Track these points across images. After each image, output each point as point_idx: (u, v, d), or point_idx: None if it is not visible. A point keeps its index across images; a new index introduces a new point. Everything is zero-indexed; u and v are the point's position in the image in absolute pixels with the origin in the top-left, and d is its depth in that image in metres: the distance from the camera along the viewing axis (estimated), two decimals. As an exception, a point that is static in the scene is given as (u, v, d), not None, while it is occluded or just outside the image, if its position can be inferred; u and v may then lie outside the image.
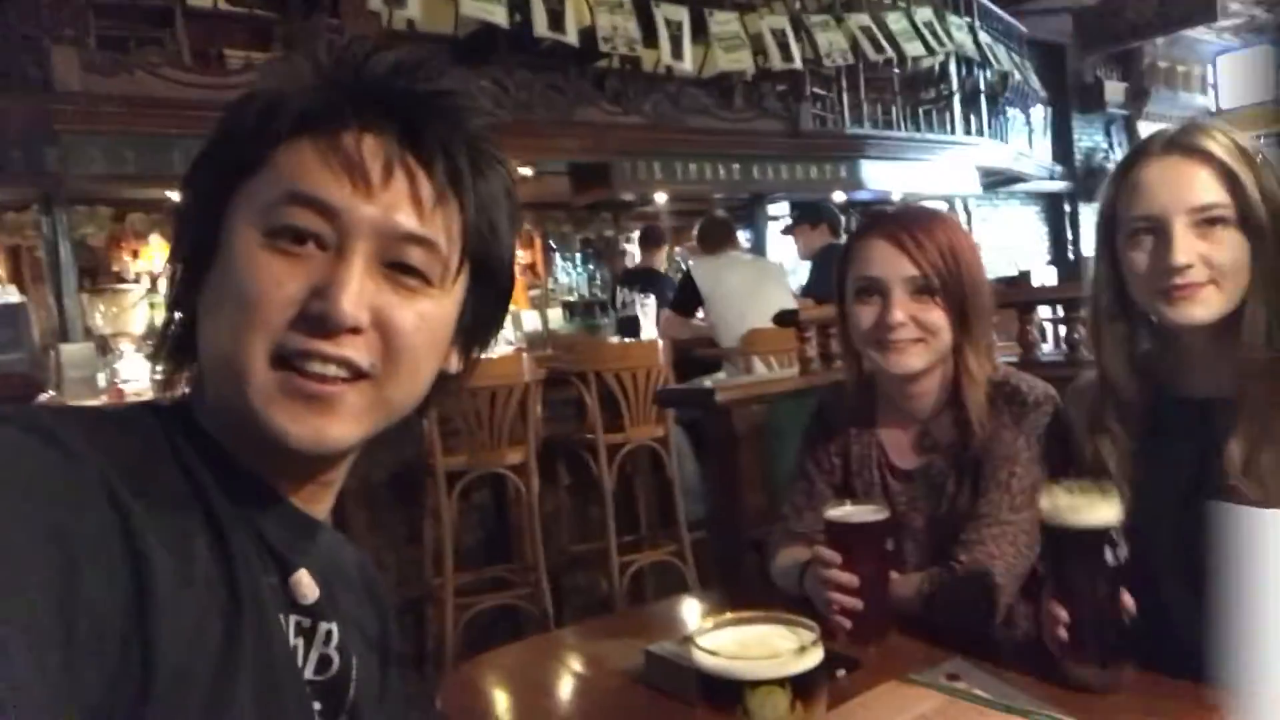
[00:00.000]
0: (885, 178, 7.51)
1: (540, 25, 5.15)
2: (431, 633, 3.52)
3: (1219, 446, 1.14)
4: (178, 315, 0.72)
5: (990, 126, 8.55)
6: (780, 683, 0.78)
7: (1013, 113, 9.27)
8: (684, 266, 6.26)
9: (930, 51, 7.36)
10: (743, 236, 7.29)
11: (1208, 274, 1.13)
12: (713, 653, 0.80)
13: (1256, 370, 1.13)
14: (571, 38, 5.29)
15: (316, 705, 0.71)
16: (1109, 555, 1.04)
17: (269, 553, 0.70)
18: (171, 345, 0.73)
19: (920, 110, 7.88)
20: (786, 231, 5.60)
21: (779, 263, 4.84)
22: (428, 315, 0.71)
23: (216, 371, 0.68)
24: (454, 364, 0.80)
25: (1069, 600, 1.07)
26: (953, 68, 8.11)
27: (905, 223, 1.39)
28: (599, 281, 8.75)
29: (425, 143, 0.69)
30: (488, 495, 4.03)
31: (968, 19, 8.02)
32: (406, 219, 0.69)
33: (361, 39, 0.73)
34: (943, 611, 1.31)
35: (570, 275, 8.76)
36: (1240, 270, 1.14)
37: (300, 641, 0.71)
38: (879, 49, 6.90)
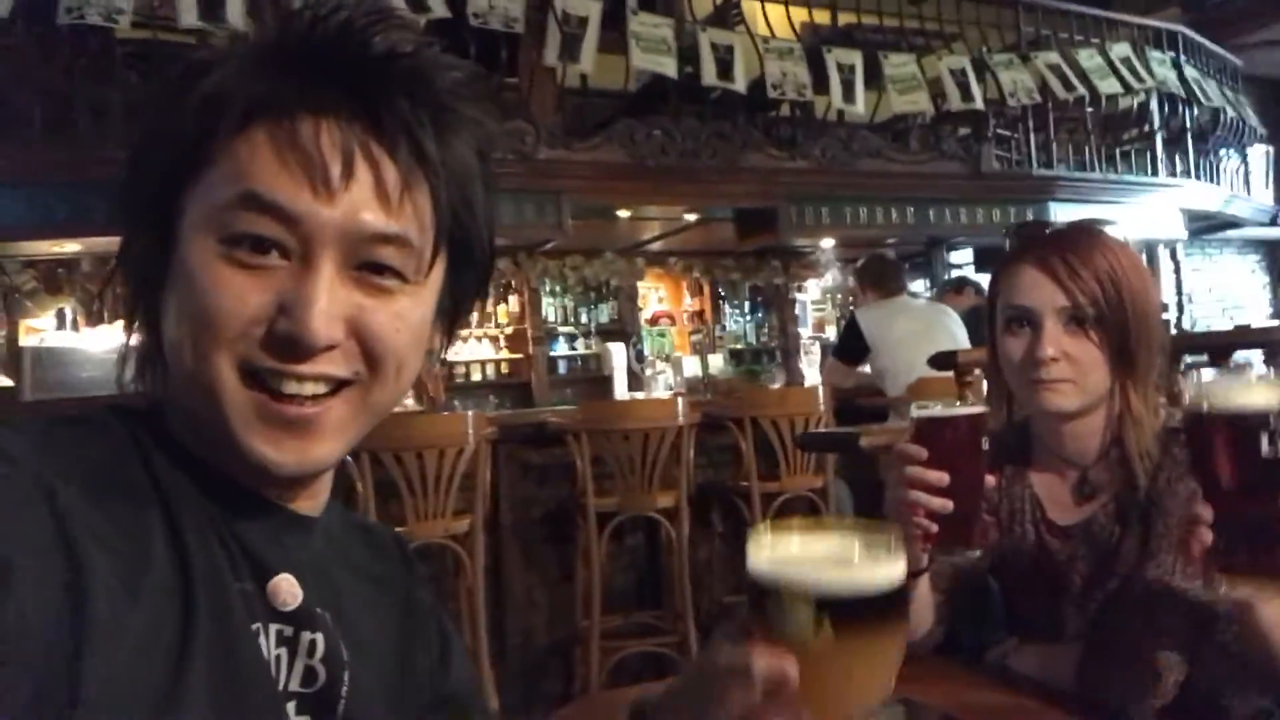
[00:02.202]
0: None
1: (709, 75, 5.20)
2: (578, 674, 3.51)
3: None
4: (137, 323, 0.69)
5: (1198, 167, 7.86)
6: (802, 595, 0.63)
7: (1226, 153, 8.49)
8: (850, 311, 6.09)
9: (1128, 89, 6.88)
10: (921, 285, 7.03)
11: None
12: (760, 550, 0.66)
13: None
14: (740, 86, 5.31)
15: (304, 719, 0.66)
16: (1265, 445, 0.87)
17: (245, 557, 0.66)
18: (139, 355, 0.70)
19: (1118, 150, 7.36)
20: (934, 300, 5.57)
21: (952, 309, 4.58)
22: (406, 314, 0.67)
23: (186, 387, 0.65)
24: (436, 344, 0.76)
25: (1216, 499, 0.92)
26: (1154, 105, 7.53)
27: (1060, 246, 1.26)
28: (767, 329, 8.67)
29: (386, 124, 0.64)
30: (641, 539, 4.01)
31: (1171, 54, 7.46)
32: (374, 218, 0.64)
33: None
34: (1096, 683, 1.15)
35: (739, 323, 8.73)
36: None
37: (283, 651, 0.66)
38: (1069, 87, 6.51)
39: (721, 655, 0.63)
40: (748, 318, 8.79)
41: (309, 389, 0.63)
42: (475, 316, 7.88)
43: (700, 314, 8.71)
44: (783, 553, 0.66)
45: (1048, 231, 1.32)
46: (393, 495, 3.04)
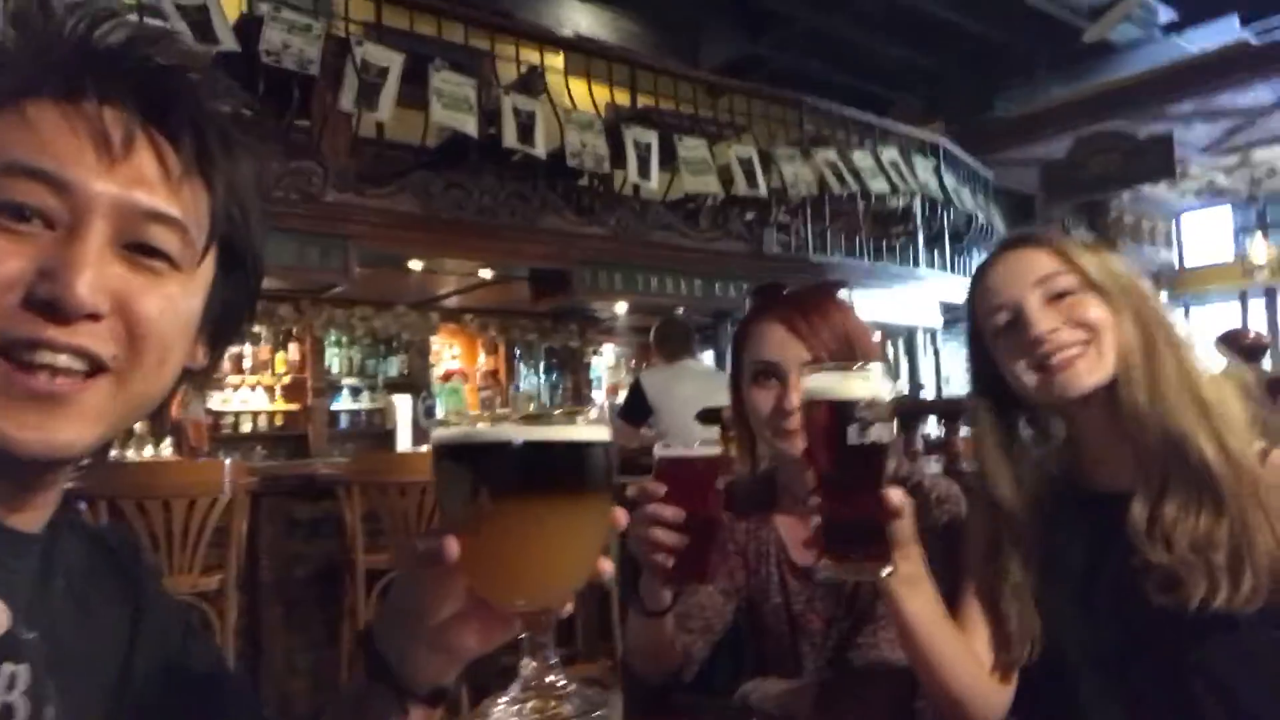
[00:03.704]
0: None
1: (510, 137, 5.27)
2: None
3: (1115, 537, 1.12)
4: None
5: (953, 263, 8.77)
6: (460, 455, 0.59)
7: (977, 251, 9.52)
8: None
9: (894, 189, 7.61)
10: (709, 355, 7.33)
11: (1076, 335, 1.13)
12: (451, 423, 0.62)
13: (1147, 427, 1.11)
14: (540, 151, 5.41)
15: None
16: (853, 433, 0.94)
17: None
18: None
19: (885, 243, 8.09)
20: None
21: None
22: (174, 300, 0.65)
23: None
24: (199, 357, 0.73)
25: (820, 484, 0.99)
26: (917, 207, 8.37)
27: (801, 306, 1.36)
28: (561, 391, 8.72)
29: (170, 119, 0.64)
30: (413, 601, 3.85)
31: (933, 161, 8.33)
32: (150, 195, 0.63)
33: (98, 6, 0.66)
34: (830, 714, 1.23)
35: (533, 383, 8.73)
36: (1108, 328, 1.14)
37: None
38: (843, 183, 7.11)
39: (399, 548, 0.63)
40: (542, 378, 8.81)
41: (63, 361, 0.59)
42: (249, 362, 7.43)
43: (494, 373, 8.65)
44: (460, 425, 0.62)
45: (786, 292, 1.41)
46: (133, 548, 2.78)
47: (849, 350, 1.32)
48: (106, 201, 0.61)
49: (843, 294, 1.41)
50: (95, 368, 0.61)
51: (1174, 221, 12.75)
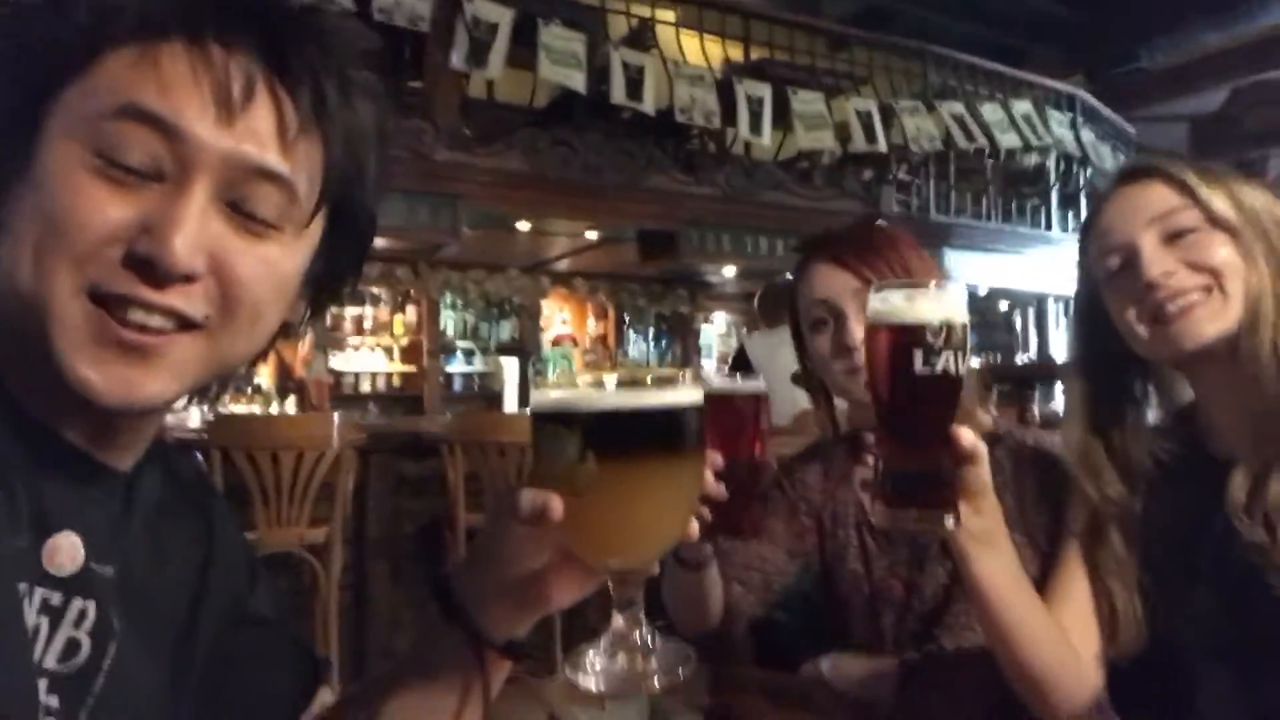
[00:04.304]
0: (972, 268, 7.23)
1: (618, 93, 5.18)
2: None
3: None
4: None
5: (1090, 226, 8.22)
6: (564, 419, 0.59)
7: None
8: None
9: (1027, 145, 7.15)
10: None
11: (1196, 280, 0.99)
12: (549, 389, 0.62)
13: (1265, 385, 0.95)
14: (648, 107, 5.30)
15: (54, 700, 0.58)
16: (919, 360, 0.80)
17: (30, 509, 0.59)
18: None
19: (1015, 204, 7.63)
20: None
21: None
22: (274, 263, 0.63)
23: (14, 300, 0.58)
24: (300, 312, 0.72)
25: (882, 422, 0.86)
26: (1051, 163, 7.86)
27: (843, 239, 1.25)
28: (671, 358, 8.66)
29: (291, 64, 0.61)
30: (516, 559, 3.87)
31: (1070, 115, 7.80)
32: (262, 151, 0.61)
33: None
34: (914, 704, 1.11)
35: (642, 350, 8.70)
36: (1234, 272, 0.98)
37: (44, 621, 0.60)
38: (971, 138, 6.72)
39: (497, 500, 0.59)
40: (652, 345, 8.76)
41: (156, 321, 0.59)
42: (370, 324, 7.65)
43: (603, 338, 8.64)
44: (561, 388, 0.62)
45: (832, 232, 1.29)
46: (244, 501, 2.85)
47: (904, 276, 1.19)
48: (217, 156, 0.60)
49: (881, 223, 1.29)
50: (187, 324, 0.60)
51: (1343, 179, 11.66)
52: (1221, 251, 0.99)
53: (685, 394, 0.62)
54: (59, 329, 0.57)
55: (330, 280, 0.73)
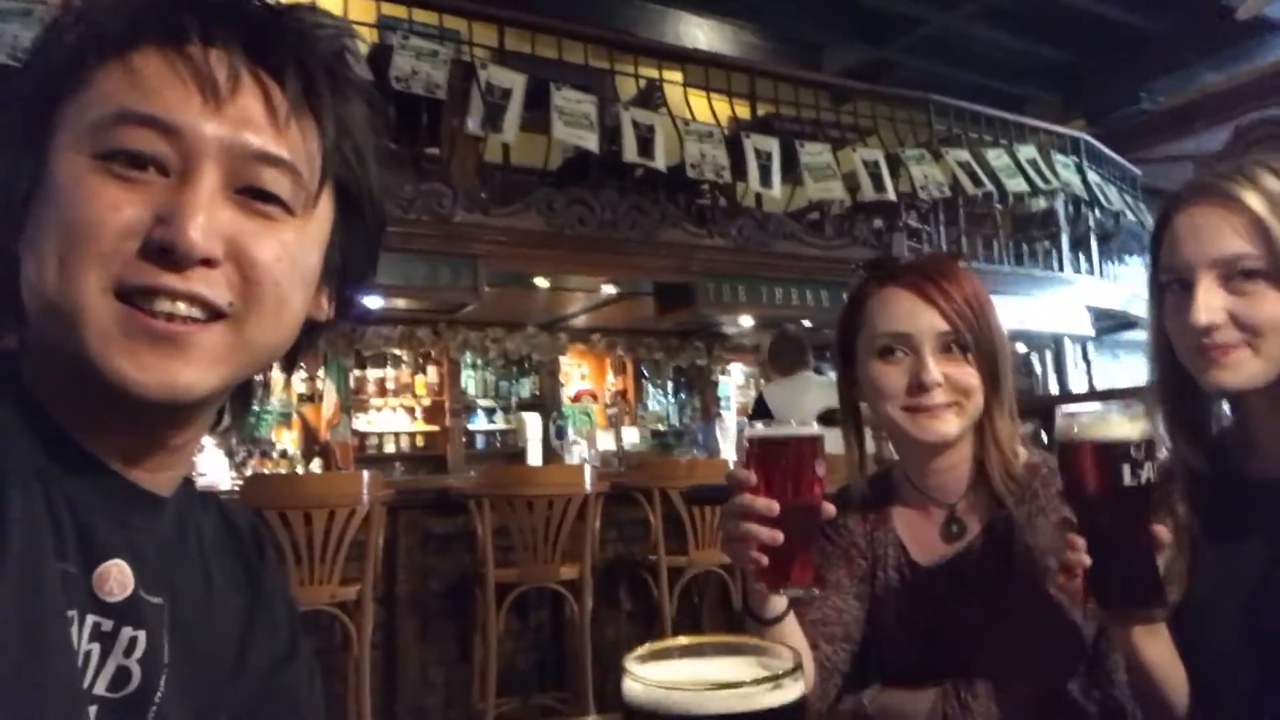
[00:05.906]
0: (987, 312, 7.23)
1: (630, 151, 5.29)
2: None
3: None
4: None
5: (1101, 267, 8.24)
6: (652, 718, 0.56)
7: (1128, 257, 8.90)
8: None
9: (1034, 188, 7.22)
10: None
11: (1239, 335, 1.00)
12: (645, 680, 0.58)
13: None
14: (660, 164, 5.41)
15: None
16: (1128, 474, 0.92)
17: (77, 535, 0.60)
18: None
19: (1026, 246, 7.68)
20: None
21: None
22: (289, 246, 0.64)
23: (44, 315, 0.60)
24: (325, 310, 0.73)
25: (1088, 531, 0.96)
26: (1060, 206, 7.91)
27: (926, 271, 1.23)
28: (690, 411, 8.67)
29: (275, 55, 0.63)
30: (545, 616, 3.86)
31: (1074, 158, 7.88)
32: (258, 136, 0.62)
33: None
34: None
35: (661, 403, 8.71)
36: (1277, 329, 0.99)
37: (95, 648, 0.60)
38: (978, 183, 6.80)
39: None
40: (670, 399, 8.78)
41: (182, 309, 0.60)
42: (393, 385, 7.70)
43: (623, 393, 8.68)
44: (662, 675, 0.58)
45: (905, 260, 1.29)
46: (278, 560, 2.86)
47: (981, 320, 1.21)
48: (215, 144, 0.61)
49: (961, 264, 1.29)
50: (213, 314, 0.61)
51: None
52: (1273, 308, 0.99)
53: (783, 694, 0.57)
54: (90, 329, 0.58)
55: (349, 272, 0.74)
